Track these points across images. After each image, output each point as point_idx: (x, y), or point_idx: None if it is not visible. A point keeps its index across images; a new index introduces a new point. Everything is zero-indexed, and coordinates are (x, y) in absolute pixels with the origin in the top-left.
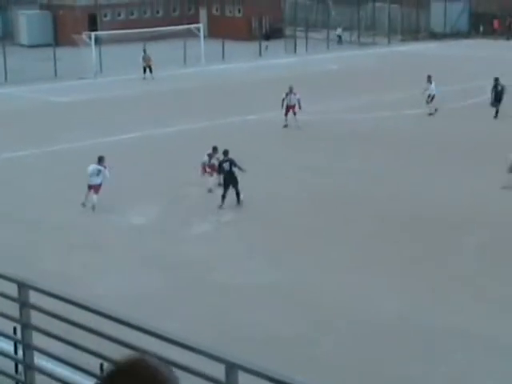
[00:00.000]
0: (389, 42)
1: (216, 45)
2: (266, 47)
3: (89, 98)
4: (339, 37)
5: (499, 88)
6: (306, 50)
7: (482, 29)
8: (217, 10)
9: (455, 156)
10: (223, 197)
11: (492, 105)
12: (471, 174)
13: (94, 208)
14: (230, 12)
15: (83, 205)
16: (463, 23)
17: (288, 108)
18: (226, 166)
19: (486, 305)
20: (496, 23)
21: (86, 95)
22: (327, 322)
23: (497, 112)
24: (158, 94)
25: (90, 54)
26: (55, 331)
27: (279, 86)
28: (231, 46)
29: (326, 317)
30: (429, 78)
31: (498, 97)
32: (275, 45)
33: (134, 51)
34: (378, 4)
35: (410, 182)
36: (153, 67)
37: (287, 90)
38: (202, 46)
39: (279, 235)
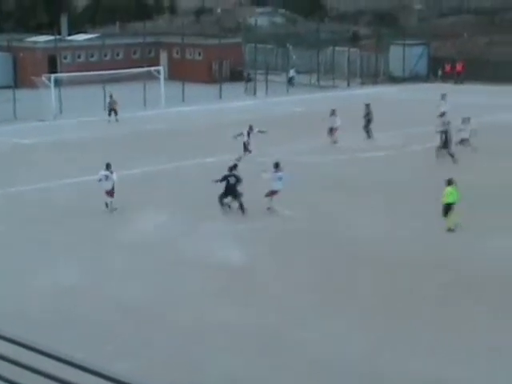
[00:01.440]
0: (348, 85)
1: (176, 87)
2: (246, 89)
3: (50, 139)
4: (291, 78)
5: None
6: (266, 93)
7: (440, 73)
8: (177, 53)
9: (411, 199)
10: (221, 201)
11: (438, 150)
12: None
13: (112, 210)
14: (191, 55)
15: (106, 205)
16: (422, 67)
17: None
18: (232, 180)
19: (450, 350)
20: (448, 67)
21: (47, 137)
22: (288, 365)
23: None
24: (119, 137)
25: (49, 95)
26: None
27: (239, 128)
28: (192, 88)
29: (287, 359)
30: (333, 112)
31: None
32: (235, 87)
33: (94, 93)
34: (337, 48)
35: (364, 224)
36: (118, 111)
37: (247, 129)
38: (162, 88)
39: (244, 279)
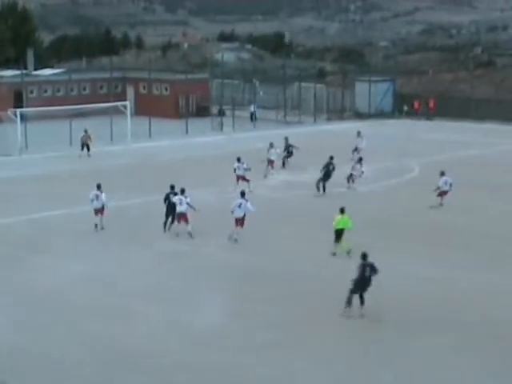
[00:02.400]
0: (315, 120)
1: (143, 122)
2: (219, 123)
3: (14, 174)
4: (252, 114)
5: (330, 167)
6: (233, 128)
7: (406, 109)
8: (144, 88)
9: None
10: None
11: (317, 184)
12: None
13: (101, 228)
14: (158, 90)
15: (96, 225)
16: (387, 103)
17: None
18: (175, 199)
19: None
20: (416, 104)
21: (12, 172)
22: None
23: (322, 188)
24: (86, 172)
25: (15, 130)
26: None
27: (206, 163)
28: (158, 123)
29: None
30: (271, 145)
31: (327, 175)
32: (202, 123)
33: (60, 128)
34: (304, 84)
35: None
36: (91, 146)
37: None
38: (129, 123)
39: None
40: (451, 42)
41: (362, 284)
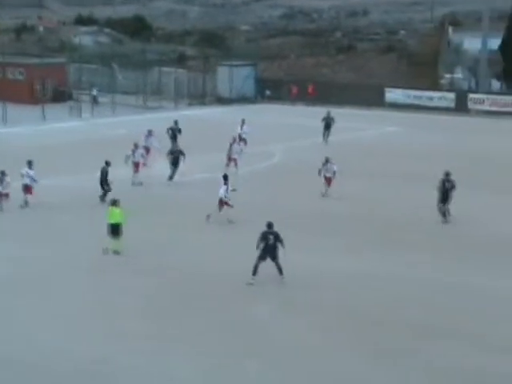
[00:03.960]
0: (175, 106)
1: None
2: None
3: None
4: (94, 97)
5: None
6: (92, 114)
7: (268, 94)
8: None
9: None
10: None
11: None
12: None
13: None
14: (12, 74)
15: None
16: (249, 88)
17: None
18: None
19: None
20: (295, 89)
21: None
22: None
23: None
24: None
25: None
26: None
27: (64, 150)
28: (14, 109)
29: None
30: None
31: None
32: (59, 108)
33: None
34: (164, 68)
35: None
36: None
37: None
38: None
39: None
40: (312, 26)
41: (266, 252)
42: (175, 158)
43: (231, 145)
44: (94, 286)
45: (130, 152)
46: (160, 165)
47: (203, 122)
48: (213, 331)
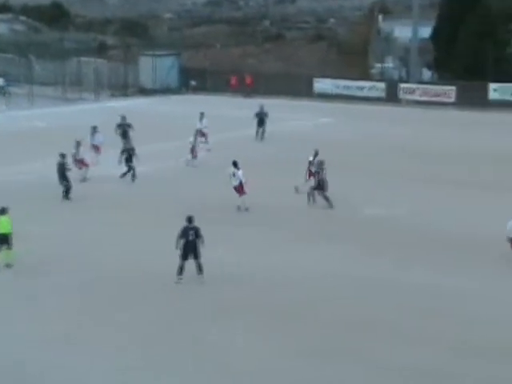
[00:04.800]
0: (96, 97)
1: None
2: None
3: None
4: (2, 88)
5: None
6: (6, 106)
7: (193, 84)
8: None
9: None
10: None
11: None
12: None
13: None
14: None
15: None
16: (173, 79)
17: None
18: None
19: None
20: (233, 80)
21: None
22: None
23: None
24: None
25: None
26: None
27: None
28: None
29: None
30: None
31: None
32: None
33: None
34: (83, 58)
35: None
36: None
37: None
38: None
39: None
40: (239, 14)
41: (187, 249)
42: (129, 155)
43: (195, 138)
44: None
45: (73, 150)
46: (106, 160)
47: (126, 114)
48: (138, 331)
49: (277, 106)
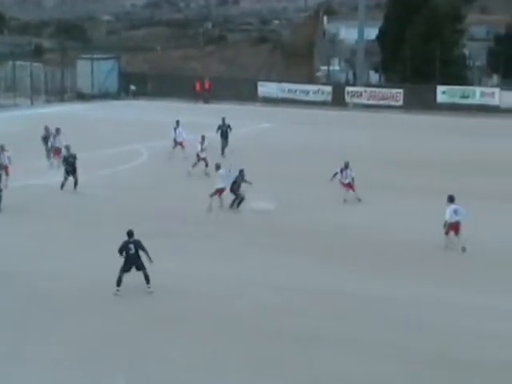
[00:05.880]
0: (32, 103)
1: None
2: None
3: None
4: None
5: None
6: None
7: (132, 89)
8: None
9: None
10: None
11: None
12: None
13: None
14: None
15: None
16: (112, 83)
17: None
18: None
19: None
20: (198, 85)
21: None
22: None
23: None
24: None
25: None
26: None
27: None
28: None
29: None
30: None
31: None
32: None
33: None
34: (18, 62)
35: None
36: None
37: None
38: None
39: None
40: (180, 16)
41: (129, 262)
42: (71, 163)
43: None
44: None
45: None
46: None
47: (63, 121)
48: (74, 344)
49: (219, 111)
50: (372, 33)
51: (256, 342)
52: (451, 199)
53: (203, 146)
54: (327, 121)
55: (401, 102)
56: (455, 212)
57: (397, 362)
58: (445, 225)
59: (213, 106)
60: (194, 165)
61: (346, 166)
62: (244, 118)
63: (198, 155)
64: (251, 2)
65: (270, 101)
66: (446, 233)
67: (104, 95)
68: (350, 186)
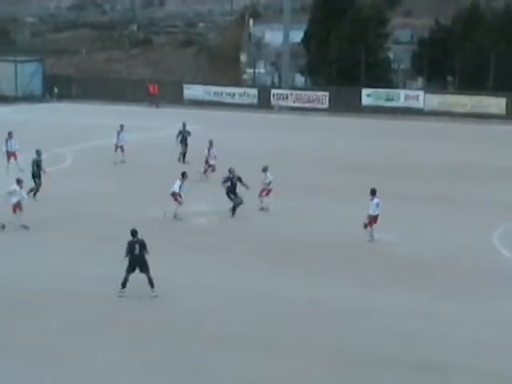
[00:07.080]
0: None
1: None
2: None
3: None
4: None
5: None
6: None
7: (56, 91)
8: None
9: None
10: None
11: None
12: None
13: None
14: None
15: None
16: (36, 86)
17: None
18: None
19: None
20: (152, 88)
21: None
22: None
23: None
24: None
25: None
26: None
27: None
28: None
29: None
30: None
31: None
32: None
33: None
34: None
35: None
36: None
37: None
38: None
39: None
40: (105, 18)
41: (134, 263)
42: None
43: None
44: None
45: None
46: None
47: None
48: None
49: (144, 114)
50: (297, 36)
51: (185, 345)
52: (373, 192)
53: (211, 152)
54: (253, 123)
55: (326, 105)
56: (377, 206)
57: (320, 363)
58: (368, 218)
59: (134, 108)
60: (205, 171)
61: (265, 169)
62: (165, 121)
63: (206, 161)
64: (177, 4)
65: (196, 103)
66: (366, 226)
67: (28, 98)
68: (268, 190)
